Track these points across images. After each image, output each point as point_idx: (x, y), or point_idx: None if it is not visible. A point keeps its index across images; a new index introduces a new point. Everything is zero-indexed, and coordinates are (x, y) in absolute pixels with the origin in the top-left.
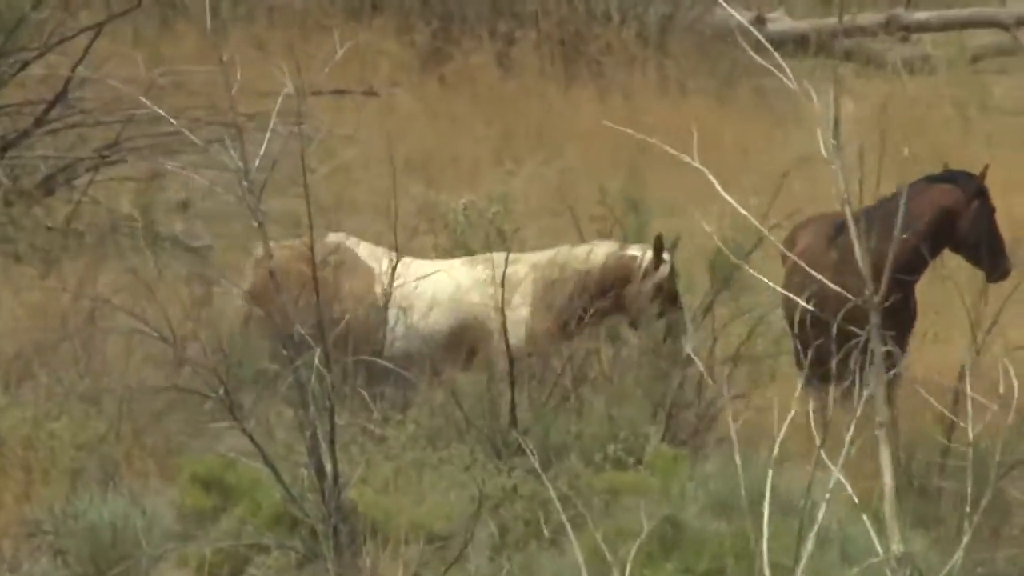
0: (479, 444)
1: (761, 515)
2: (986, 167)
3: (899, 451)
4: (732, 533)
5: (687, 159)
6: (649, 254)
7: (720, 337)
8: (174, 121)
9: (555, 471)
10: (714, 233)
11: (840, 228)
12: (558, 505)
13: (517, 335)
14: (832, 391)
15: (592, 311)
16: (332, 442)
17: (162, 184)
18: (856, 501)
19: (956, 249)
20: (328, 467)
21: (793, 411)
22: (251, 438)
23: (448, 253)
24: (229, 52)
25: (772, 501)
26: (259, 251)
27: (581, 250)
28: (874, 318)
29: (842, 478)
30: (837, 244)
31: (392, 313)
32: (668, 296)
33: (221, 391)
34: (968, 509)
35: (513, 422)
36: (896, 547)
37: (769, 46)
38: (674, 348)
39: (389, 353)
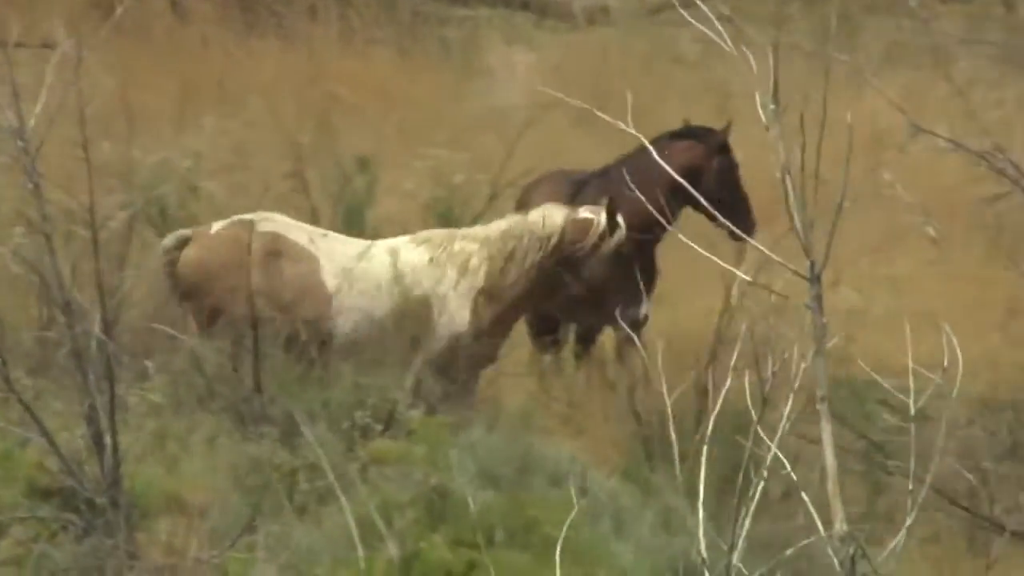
0: (224, 413)
1: (528, 484)
2: (729, 123)
3: (650, 415)
4: (500, 502)
5: (621, 125)
6: (603, 217)
7: None
8: None
9: (304, 440)
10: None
11: (579, 187)
12: (331, 474)
13: (460, 318)
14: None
15: (545, 279)
16: (112, 412)
17: None
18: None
19: (698, 208)
20: (108, 438)
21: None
22: (28, 408)
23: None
24: None
25: (538, 470)
26: (183, 232)
27: (535, 217)
28: (813, 290)
29: None
30: (576, 203)
31: (340, 298)
32: (624, 261)
33: None
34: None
35: (258, 389)
36: (839, 526)
37: None
38: (631, 313)
39: (338, 340)
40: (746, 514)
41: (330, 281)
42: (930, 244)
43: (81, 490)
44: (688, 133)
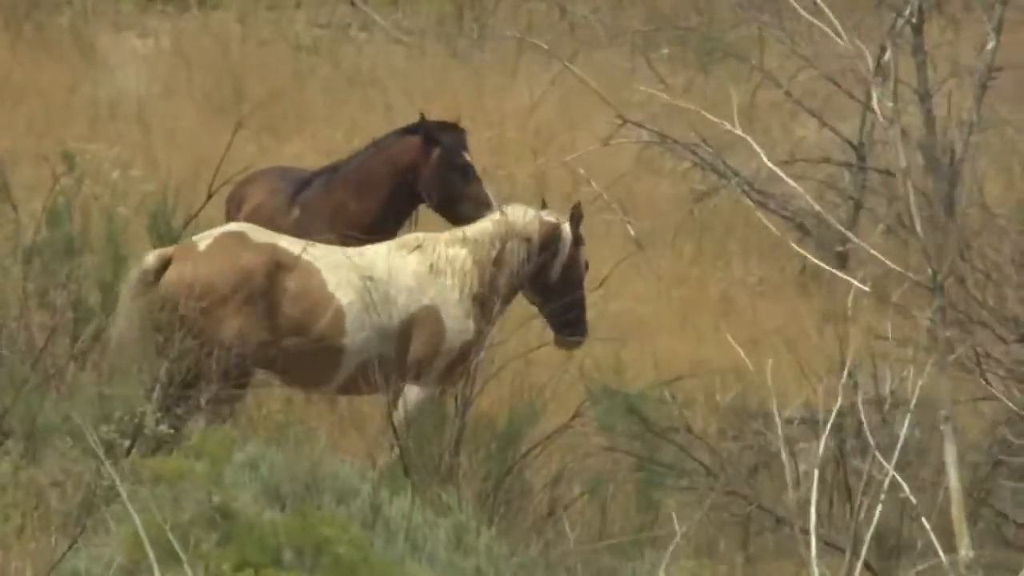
0: None
1: (317, 502)
2: (419, 117)
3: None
4: (288, 521)
5: (729, 126)
6: (567, 226)
7: None
8: None
9: (48, 457)
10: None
11: (302, 184)
12: (123, 494)
13: (467, 324)
14: None
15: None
16: None
17: None
18: None
19: (432, 206)
20: None
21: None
22: None
23: None
24: None
25: (325, 487)
26: (165, 249)
27: (516, 216)
28: (937, 300)
29: None
30: (298, 201)
31: (353, 312)
32: (583, 270)
33: None
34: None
35: None
36: (965, 552)
37: None
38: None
39: (348, 357)
40: (865, 539)
41: (340, 295)
42: (631, 244)
43: None
44: (416, 128)
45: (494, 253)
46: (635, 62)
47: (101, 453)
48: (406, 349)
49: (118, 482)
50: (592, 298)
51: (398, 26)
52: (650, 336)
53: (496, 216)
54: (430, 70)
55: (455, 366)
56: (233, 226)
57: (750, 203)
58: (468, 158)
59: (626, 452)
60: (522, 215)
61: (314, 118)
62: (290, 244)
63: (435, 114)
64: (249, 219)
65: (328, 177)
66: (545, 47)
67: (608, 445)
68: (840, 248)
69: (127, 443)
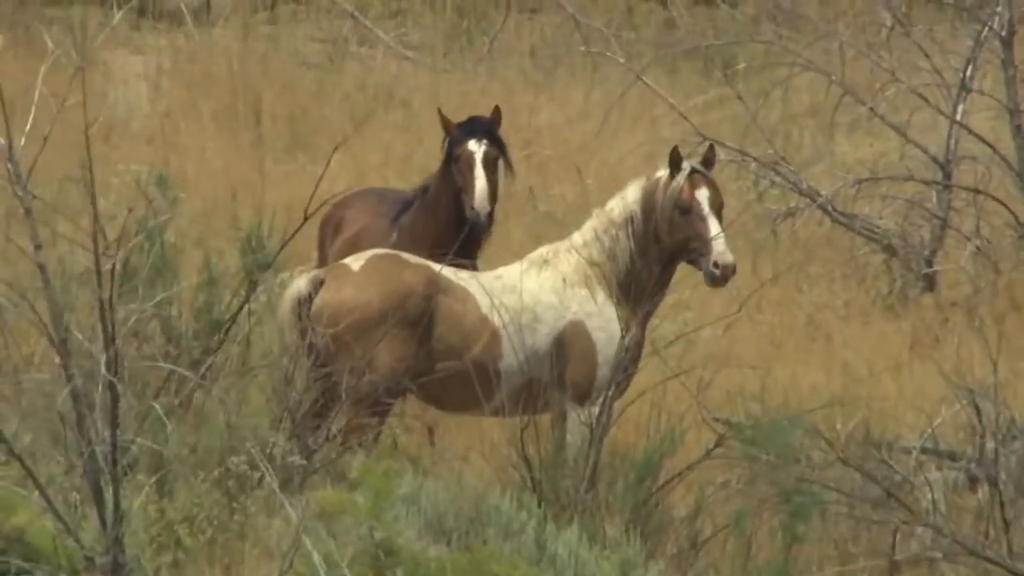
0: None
1: (482, 536)
2: (496, 108)
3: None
4: (455, 558)
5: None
6: (667, 169)
7: None
8: None
9: (171, 488)
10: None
11: (404, 206)
12: (299, 522)
13: (616, 334)
14: None
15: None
16: (115, 463)
17: None
18: None
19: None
20: (110, 493)
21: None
22: (22, 462)
23: None
24: None
25: (491, 523)
26: (318, 272)
27: (614, 203)
28: None
29: None
30: (398, 224)
31: (508, 335)
32: (681, 208)
33: None
34: None
35: (115, 431)
36: None
37: None
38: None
39: (507, 382)
40: None
41: (494, 318)
42: None
43: (79, 549)
44: None
45: (604, 250)
46: (657, 76)
47: (275, 486)
48: (563, 369)
49: (294, 517)
50: (677, 325)
51: (401, 41)
52: (746, 363)
53: (598, 210)
54: (454, 85)
55: (621, 374)
56: (379, 251)
57: (832, 223)
58: (472, 147)
59: (790, 483)
60: (620, 199)
61: (340, 137)
62: (440, 267)
63: None
64: (351, 243)
65: (422, 199)
66: (621, 60)
67: (750, 477)
68: (927, 270)
69: (257, 475)
